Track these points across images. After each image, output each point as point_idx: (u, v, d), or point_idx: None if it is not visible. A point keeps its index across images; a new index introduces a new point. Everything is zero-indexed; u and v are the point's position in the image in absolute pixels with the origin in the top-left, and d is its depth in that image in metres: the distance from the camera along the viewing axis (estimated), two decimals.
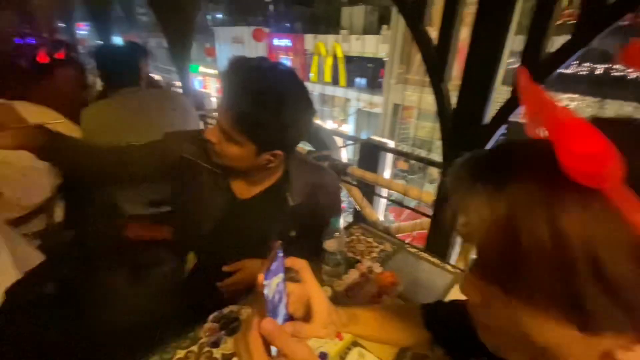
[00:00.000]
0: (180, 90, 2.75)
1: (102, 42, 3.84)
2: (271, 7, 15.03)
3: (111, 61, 1.41)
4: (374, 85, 11.69)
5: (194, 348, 0.73)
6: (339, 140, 2.75)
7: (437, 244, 1.35)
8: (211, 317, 0.79)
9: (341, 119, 13.40)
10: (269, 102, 0.71)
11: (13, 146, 0.65)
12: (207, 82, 16.61)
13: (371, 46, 10.76)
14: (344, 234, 0.87)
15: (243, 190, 0.91)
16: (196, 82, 17.12)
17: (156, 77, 4.02)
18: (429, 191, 1.71)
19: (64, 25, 5.30)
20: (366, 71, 12.00)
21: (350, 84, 12.42)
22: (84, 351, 0.87)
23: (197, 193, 0.88)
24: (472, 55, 1.08)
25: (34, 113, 1.32)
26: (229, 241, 0.89)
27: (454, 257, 1.35)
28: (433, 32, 1.17)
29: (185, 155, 0.86)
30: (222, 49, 14.99)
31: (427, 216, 1.70)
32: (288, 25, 14.56)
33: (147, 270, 1.55)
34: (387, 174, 2.83)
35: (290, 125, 0.75)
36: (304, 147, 2.42)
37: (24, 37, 5.20)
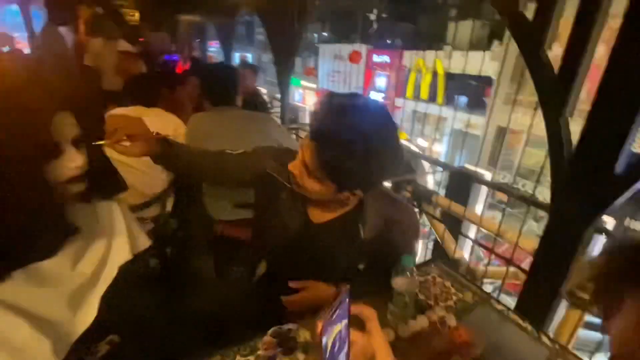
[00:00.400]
0: (279, 103, 2.99)
1: (224, 59, 4.47)
2: (374, 25, 15.32)
3: (210, 82, 1.61)
4: (476, 105, 10.77)
5: (251, 358, 0.76)
6: (426, 165, 2.60)
7: (532, 304, 1.12)
8: (271, 331, 0.81)
9: (434, 137, 12.69)
10: (355, 151, 0.69)
11: (139, 155, 0.80)
12: (306, 96, 17.88)
13: (476, 63, 9.96)
14: (416, 274, 0.80)
15: (317, 214, 0.92)
16: (296, 95, 18.61)
17: (263, 90, 4.47)
18: (530, 237, 1.44)
19: (200, 43, 6.37)
20: (468, 89, 11.16)
21: (448, 102, 11.72)
22: (165, 330, 0.99)
23: (275, 208, 0.92)
24: (610, 82, 0.86)
25: (162, 120, 1.61)
26: (297, 259, 0.91)
27: (552, 325, 1.10)
28: (556, 49, 0.99)
29: (270, 172, 0.92)
30: (324, 65, 15.92)
31: (523, 270, 1.42)
32: (389, 41, 14.59)
33: (227, 266, 1.70)
34: (479, 207, 2.52)
35: (375, 173, 0.74)
36: None
37: (170, 54, 6.44)
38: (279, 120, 2.95)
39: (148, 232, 1.50)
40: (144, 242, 0.92)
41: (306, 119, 3.50)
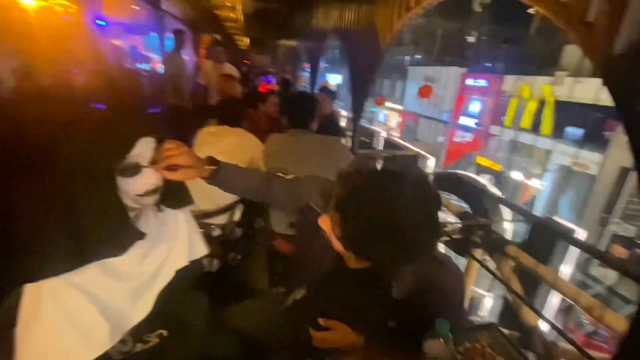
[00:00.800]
0: (350, 123, 3.04)
1: (311, 81, 4.76)
2: (473, 47, 14.44)
3: (289, 106, 1.74)
4: (592, 139, 9.06)
5: None
6: (505, 210, 2.26)
7: None
8: None
9: (535, 173, 11.12)
10: (382, 233, 0.63)
11: (186, 179, 0.85)
12: (389, 117, 17.68)
13: (596, 91, 8.44)
14: (452, 341, 0.71)
15: (350, 258, 0.86)
16: (380, 116, 18.56)
17: (343, 112, 4.61)
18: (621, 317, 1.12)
19: (295, 65, 6.92)
20: (584, 120, 9.50)
21: (557, 134, 10.17)
22: (206, 334, 1.07)
23: (312, 240, 0.92)
24: None
25: (241, 139, 1.80)
26: (328, 297, 0.89)
27: None
28: None
29: (312, 205, 0.91)
30: (413, 88, 15.64)
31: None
32: (488, 65, 13.55)
33: (274, 281, 1.76)
34: (566, 270, 2.07)
35: (403, 252, 0.66)
36: (449, 198, 2.15)
37: (267, 76, 7.16)
38: (348, 144, 3.00)
39: (215, 238, 1.68)
40: (201, 251, 1.03)
41: (380, 144, 3.46)
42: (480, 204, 1.95)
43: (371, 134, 3.54)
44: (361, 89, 2.56)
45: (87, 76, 3.61)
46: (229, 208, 1.73)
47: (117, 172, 0.70)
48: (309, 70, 5.17)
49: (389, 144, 3.38)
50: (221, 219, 1.72)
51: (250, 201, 1.86)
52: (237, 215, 1.80)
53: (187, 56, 6.45)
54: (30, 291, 0.65)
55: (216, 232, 1.70)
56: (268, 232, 1.77)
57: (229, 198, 1.74)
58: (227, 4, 5.15)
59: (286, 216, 1.68)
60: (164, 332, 0.94)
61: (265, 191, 1.01)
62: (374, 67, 2.30)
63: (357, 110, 2.68)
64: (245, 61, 11.84)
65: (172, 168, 0.78)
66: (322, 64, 4.96)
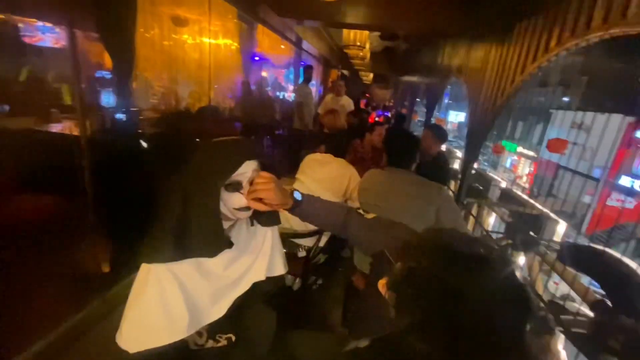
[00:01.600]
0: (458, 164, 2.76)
1: (426, 119, 4.62)
2: None
3: (389, 143, 1.73)
4: None
5: None
6: None
7: None
8: None
9: None
10: (440, 334, 0.53)
11: (270, 209, 0.87)
12: (519, 165, 15.29)
13: None
14: None
15: None
16: (508, 161, 16.25)
17: (458, 152, 4.28)
18: None
19: (410, 101, 6.86)
20: None
21: None
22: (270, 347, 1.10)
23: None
24: None
25: (341, 170, 1.87)
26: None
27: None
28: None
29: (385, 251, 0.84)
30: (555, 134, 13.36)
31: None
32: None
33: (349, 319, 1.70)
34: None
35: None
36: (578, 274, 1.67)
37: (384, 110, 7.31)
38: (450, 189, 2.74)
39: (299, 258, 1.76)
40: (280, 269, 1.09)
41: (496, 194, 2.95)
42: (624, 296, 1.43)
43: (487, 181, 3.10)
44: (478, 132, 2.33)
45: (237, 100, 4.43)
46: (317, 232, 1.79)
47: (223, 186, 0.83)
48: (426, 106, 5.04)
49: (507, 196, 2.86)
50: (308, 242, 1.79)
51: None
52: (324, 241, 1.85)
53: (314, 88, 7.22)
54: (143, 270, 0.81)
55: (301, 254, 1.78)
56: (351, 265, 1.75)
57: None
58: (357, 43, 5.56)
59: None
60: (232, 337, 1.03)
61: (342, 227, 1.02)
62: (496, 110, 2.07)
63: (470, 153, 2.44)
64: (366, 95, 12.44)
65: (258, 199, 0.85)
66: (445, 100, 4.78)
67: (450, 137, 4.23)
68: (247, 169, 0.85)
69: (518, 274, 0.52)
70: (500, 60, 2.10)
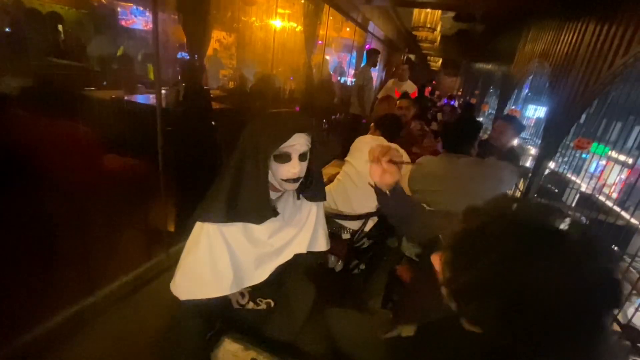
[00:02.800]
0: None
1: (499, 107, 4.21)
2: None
3: (448, 129, 1.63)
4: None
5: None
6: None
7: None
8: None
9: None
10: (499, 307, 0.47)
11: (391, 181, 0.86)
12: (608, 170, 13.05)
13: None
14: None
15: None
16: (594, 165, 14.07)
17: (532, 150, 3.85)
18: None
19: (482, 90, 6.30)
20: None
21: None
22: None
23: (433, 280, 0.80)
24: None
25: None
26: (434, 352, 0.75)
27: None
28: None
29: (440, 238, 0.82)
30: None
31: None
32: None
33: (390, 308, 1.68)
34: None
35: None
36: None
37: (449, 99, 6.84)
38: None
39: (343, 240, 1.77)
40: (321, 245, 1.11)
41: (573, 198, 2.54)
42: None
43: (564, 183, 2.70)
44: (558, 126, 2.04)
45: (298, 82, 4.52)
46: (363, 217, 1.77)
47: (274, 158, 0.86)
48: (500, 96, 4.57)
49: (588, 202, 2.45)
50: (353, 225, 1.79)
51: (384, 218, 1.85)
52: (369, 226, 1.82)
53: (377, 72, 7.00)
54: (198, 227, 0.88)
55: (345, 236, 1.78)
56: (397, 254, 1.71)
57: (365, 208, 1.79)
58: (427, 24, 5.22)
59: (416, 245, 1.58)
60: (272, 302, 1.08)
61: (407, 217, 0.96)
62: (584, 101, 1.79)
63: (546, 149, 2.16)
64: (433, 82, 11.71)
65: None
66: (524, 92, 4.28)
67: (525, 134, 3.80)
68: (296, 142, 0.86)
69: (608, 261, 0.45)
70: (597, 41, 1.79)
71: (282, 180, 0.88)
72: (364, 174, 1.72)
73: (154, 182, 1.76)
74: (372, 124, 2.02)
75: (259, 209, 0.88)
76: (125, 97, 2.12)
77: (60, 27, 1.89)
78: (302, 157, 0.88)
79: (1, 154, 1.20)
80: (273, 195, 0.95)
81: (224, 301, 1.03)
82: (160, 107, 1.68)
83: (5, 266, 1.20)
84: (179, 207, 2.03)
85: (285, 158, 0.86)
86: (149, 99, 2.10)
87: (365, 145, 1.84)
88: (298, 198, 1.03)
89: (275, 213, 0.93)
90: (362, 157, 1.79)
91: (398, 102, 3.01)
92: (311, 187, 0.99)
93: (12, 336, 1.25)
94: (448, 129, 1.62)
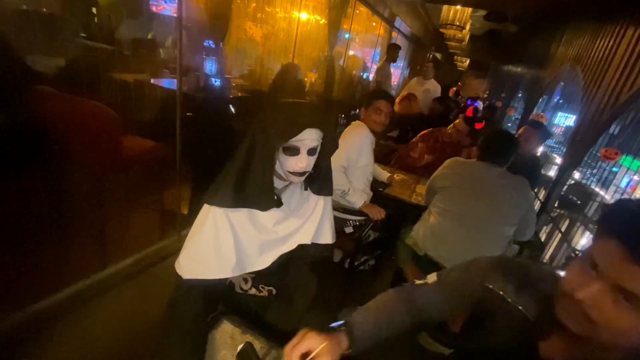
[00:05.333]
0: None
1: (525, 113, 4.06)
2: None
3: (487, 141, 1.61)
4: None
5: None
6: None
7: None
8: None
9: None
10: None
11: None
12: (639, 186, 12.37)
13: None
14: None
15: (558, 349, 0.59)
16: (624, 180, 13.36)
17: (557, 159, 3.71)
18: None
19: (508, 93, 6.08)
20: None
21: None
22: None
23: (489, 333, 0.71)
24: None
25: None
26: None
27: None
28: None
29: (490, 286, 0.71)
30: None
31: None
32: None
33: None
34: None
35: None
36: None
37: (474, 100, 6.64)
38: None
39: (347, 235, 1.76)
40: (326, 238, 1.11)
41: (596, 209, 2.39)
42: None
43: (587, 195, 2.56)
44: (586, 134, 1.94)
45: (320, 75, 4.50)
46: (363, 214, 1.76)
47: (282, 150, 0.86)
48: (527, 101, 4.40)
49: None
50: (355, 218, 1.78)
51: (392, 217, 1.82)
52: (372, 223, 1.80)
53: (399, 70, 6.87)
54: (205, 209, 0.90)
55: (348, 229, 1.78)
56: (407, 253, 1.69)
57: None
58: (456, 22, 5.07)
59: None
60: (274, 290, 1.10)
61: (409, 315, 0.82)
62: (616, 109, 1.69)
63: (571, 158, 2.06)
64: (459, 82, 11.38)
65: None
66: (555, 99, 4.11)
67: (552, 142, 3.66)
68: (307, 137, 0.85)
69: None
70: (635, 46, 1.69)
71: (289, 172, 0.89)
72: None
73: (171, 165, 1.81)
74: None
75: (263, 197, 0.89)
76: (151, 81, 2.18)
77: (94, 9, 1.95)
78: (311, 151, 0.88)
79: (31, 129, 1.27)
80: (280, 184, 0.96)
81: (228, 285, 1.05)
82: (181, 93, 1.72)
83: (24, 237, 1.27)
84: (193, 191, 2.08)
85: (293, 151, 0.86)
86: (173, 84, 2.15)
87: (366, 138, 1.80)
88: (305, 189, 1.03)
89: (279, 204, 0.94)
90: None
91: (455, 122, 2.60)
92: (318, 180, 0.99)
93: (23, 304, 1.32)
94: (488, 141, 1.60)
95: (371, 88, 4.27)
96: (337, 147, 0.98)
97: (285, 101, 0.90)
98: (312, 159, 0.90)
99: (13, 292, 1.30)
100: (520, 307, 0.65)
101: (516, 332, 0.65)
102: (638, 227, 0.44)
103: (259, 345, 0.87)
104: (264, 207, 0.91)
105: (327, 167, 1.01)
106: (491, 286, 0.70)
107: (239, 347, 0.80)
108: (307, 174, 0.92)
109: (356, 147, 1.74)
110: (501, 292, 0.68)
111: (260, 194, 0.88)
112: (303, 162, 0.87)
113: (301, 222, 1.04)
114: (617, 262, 0.44)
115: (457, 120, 2.56)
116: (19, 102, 1.25)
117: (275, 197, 0.93)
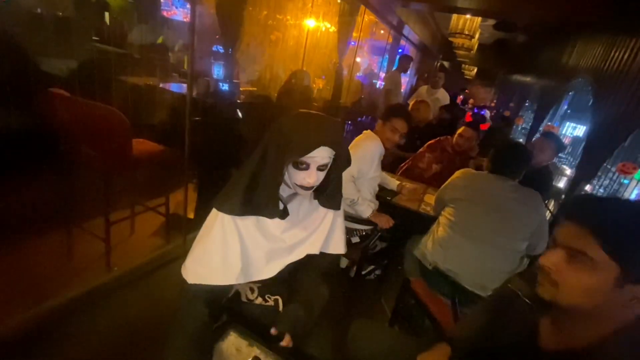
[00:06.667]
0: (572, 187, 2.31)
1: (535, 124, 4.01)
2: None
3: (499, 153, 1.57)
4: None
5: None
6: None
7: None
8: None
9: None
10: None
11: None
12: None
13: None
14: None
15: (553, 336, 0.65)
16: (634, 193, 13.13)
17: (567, 170, 3.65)
18: None
19: (517, 103, 6.04)
20: None
21: None
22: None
23: (494, 321, 0.76)
24: None
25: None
26: None
27: None
28: None
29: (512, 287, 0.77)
30: None
31: None
32: None
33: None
34: None
35: None
36: None
37: (480, 109, 6.59)
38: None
39: (354, 244, 1.74)
40: (336, 249, 1.09)
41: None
42: None
43: None
44: (599, 147, 1.90)
45: (328, 82, 4.51)
46: (371, 222, 1.74)
47: (292, 163, 0.84)
48: (536, 111, 4.36)
49: None
50: (363, 228, 1.76)
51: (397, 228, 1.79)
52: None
53: (407, 77, 6.87)
54: (214, 214, 0.89)
55: (355, 239, 1.75)
56: (415, 266, 1.66)
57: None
58: (465, 31, 5.06)
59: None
60: (280, 300, 1.08)
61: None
62: (633, 122, 1.66)
63: (583, 171, 2.02)
64: (466, 91, 11.33)
65: None
66: (563, 109, 4.06)
67: (561, 153, 3.61)
68: (318, 154, 0.83)
69: None
70: (626, 63, 1.66)
71: (296, 185, 0.87)
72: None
73: (178, 169, 1.81)
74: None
75: (270, 205, 0.88)
76: (160, 85, 2.19)
77: (106, 14, 1.98)
78: (321, 167, 0.86)
79: (42, 130, 1.27)
80: (288, 191, 0.94)
81: (234, 294, 1.04)
82: (191, 97, 1.72)
83: (30, 237, 1.27)
84: (200, 195, 2.08)
85: (303, 166, 0.85)
86: (182, 88, 2.17)
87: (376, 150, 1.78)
88: (313, 199, 1.01)
89: (284, 214, 0.93)
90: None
91: (460, 131, 2.55)
92: (326, 194, 0.98)
93: (28, 306, 1.32)
94: (500, 153, 1.57)
95: (381, 95, 4.27)
96: (349, 165, 0.96)
97: (301, 113, 0.87)
98: (322, 174, 0.88)
99: (17, 294, 1.30)
100: (524, 298, 0.71)
101: (519, 323, 0.70)
102: (584, 206, 0.60)
103: None
104: (271, 215, 0.89)
105: (337, 180, 0.99)
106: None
107: None
108: (314, 187, 0.90)
109: (368, 159, 1.73)
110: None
111: (267, 203, 0.86)
112: (312, 178, 0.85)
113: (310, 232, 1.02)
114: (571, 233, 0.59)
115: (460, 129, 2.54)
116: (33, 104, 1.26)
117: (282, 207, 0.92)
